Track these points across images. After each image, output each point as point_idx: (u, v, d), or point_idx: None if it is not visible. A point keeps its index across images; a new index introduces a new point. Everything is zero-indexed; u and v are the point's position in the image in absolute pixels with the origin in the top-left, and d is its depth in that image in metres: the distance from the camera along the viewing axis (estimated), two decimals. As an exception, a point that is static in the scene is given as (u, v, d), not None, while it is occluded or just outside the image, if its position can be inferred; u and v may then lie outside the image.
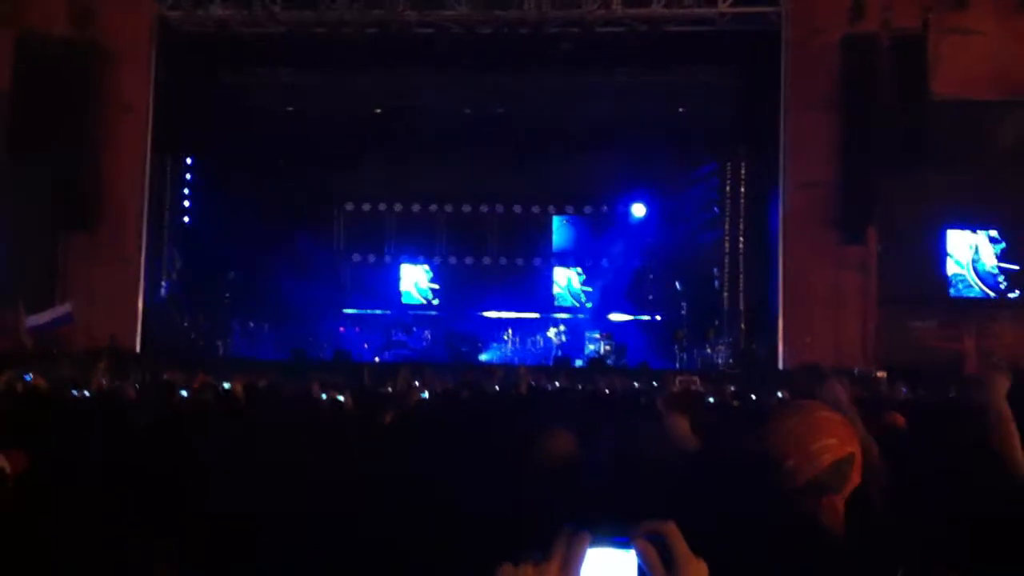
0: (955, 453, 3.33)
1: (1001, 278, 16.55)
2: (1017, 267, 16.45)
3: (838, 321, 16.13)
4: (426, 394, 8.26)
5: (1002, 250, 16.57)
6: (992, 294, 16.62)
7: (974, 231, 16.74)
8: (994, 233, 16.67)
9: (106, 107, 17.01)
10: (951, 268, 16.72)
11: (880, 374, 14.75)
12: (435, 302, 23.09)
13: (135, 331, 16.95)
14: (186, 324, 18.46)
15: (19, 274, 16.44)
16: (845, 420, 2.16)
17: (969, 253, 16.68)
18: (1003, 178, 16.20)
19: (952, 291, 16.72)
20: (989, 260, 16.60)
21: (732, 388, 10.09)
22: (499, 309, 22.27)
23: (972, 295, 16.64)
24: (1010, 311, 16.54)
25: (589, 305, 22.84)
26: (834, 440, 2.09)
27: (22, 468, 2.95)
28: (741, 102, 18.20)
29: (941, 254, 16.76)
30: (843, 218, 16.17)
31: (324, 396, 8.11)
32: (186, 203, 18.78)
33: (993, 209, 16.60)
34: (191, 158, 18.89)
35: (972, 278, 16.61)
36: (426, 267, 23.30)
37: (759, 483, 2.09)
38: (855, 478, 2.10)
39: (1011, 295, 16.54)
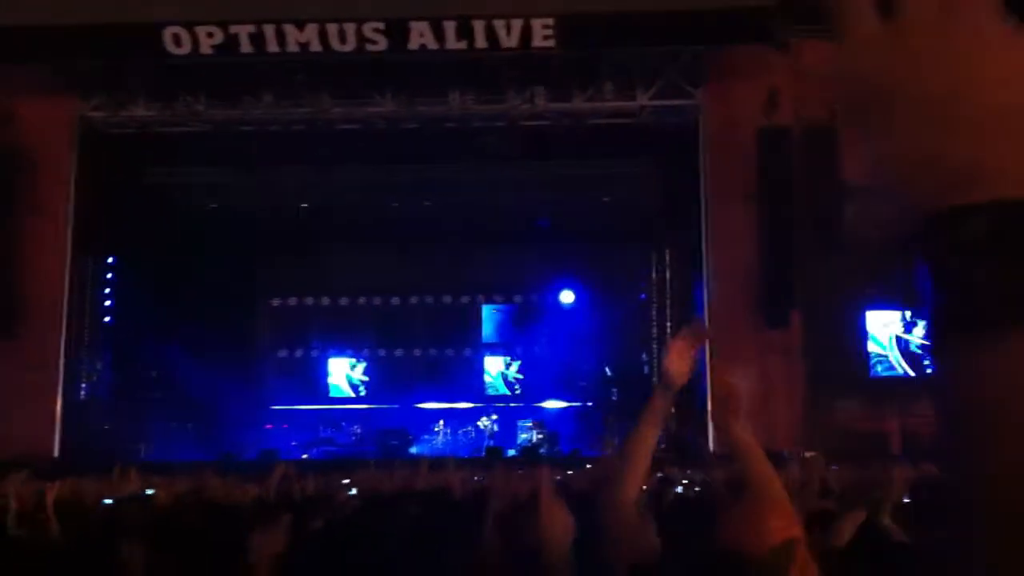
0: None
1: (926, 358, 16.91)
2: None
3: (765, 404, 16.31)
4: (354, 491, 8.09)
5: (924, 328, 16.97)
6: (913, 373, 16.97)
7: (894, 310, 17.16)
8: (908, 313, 17.10)
9: (24, 210, 16.70)
10: (872, 348, 17.08)
11: (808, 455, 14.89)
12: (363, 394, 22.82)
13: (53, 436, 16.41)
14: (106, 427, 17.93)
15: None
16: (789, 505, 2.21)
17: (889, 332, 17.07)
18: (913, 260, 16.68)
19: (873, 372, 17.05)
20: (915, 338, 17.00)
21: (659, 474, 10.05)
22: (430, 400, 22.09)
23: (894, 374, 16.99)
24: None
25: (519, 392, 22.79)
26: (782, 521, 2.16)
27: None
28: (664, 191, 18.62)
29: (862, 335, 17.13)
30: (766, 304, 16.48)
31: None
32: (107, 303, 18.40)
33: (911, 288, 17.05)
34: (113, 258, 18.56)
35: (896, 357, 16.97)
36: (354, 360, 23.07)
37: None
38: (800, 562, 2.12)
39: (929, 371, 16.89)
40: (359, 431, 21.29)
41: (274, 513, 4.60)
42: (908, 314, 17.12)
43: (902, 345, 16.98)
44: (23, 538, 5.53)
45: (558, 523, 2.38)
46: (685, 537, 3.16)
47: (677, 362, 2.70)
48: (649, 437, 2.76)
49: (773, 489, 2.51)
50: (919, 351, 16.95)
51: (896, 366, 16.97)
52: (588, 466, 13.12)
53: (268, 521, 3.98)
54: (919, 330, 16.95)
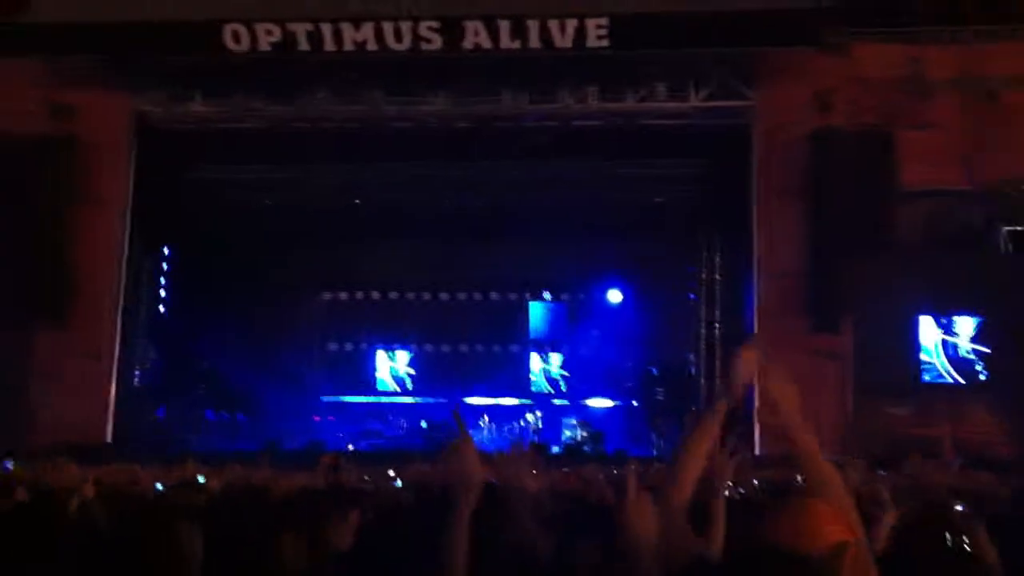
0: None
1: (978, 363, 16.68)
2: (988, 350, 16.62)
3: (814, 409, 16.14)
4: (399, 482, 8.16)
5: (976, 334, 16.74)
6: (963, 380, 16.72)
7: (945, 317, 16.93)
8: (967, 319, 16.86)
9: (82, 201, 17.05)
10: (924, 355, 16.86)
11: (855, 461, 14.75)
12: (409, 388, 22.98)
13: (106, 423, 16.75)
14: (158, 416, 18.27)
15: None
16: (851, 508, 2.22)
17: (940, 338, 16.84)
18: (971, 265, 16.48)
19: (925, 377, 16.83)
20: (964, 345, 16.76)
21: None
22: (475, 395, 22.20)
23: (944, 381, 16.76)
24: (983, 396, 16.66)
25: (565, 390, 22.82)
26: (841, 526, 2.16)
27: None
28: (714, 192, 18.52)
29: (914, 341, 16.91)
30: (815, 306, 16.34)
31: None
32: (161, 293, 18.76)
33: (964, 294, 16.82)
34: (168, 250, 18.92)
35: (943, 364, 16.74)
36: (401, 354, 23.25)
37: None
38: (856, 565, 2.14)
39: (981, 378, 16.67)
40: (405, 424, 21.46)
41: (341, 508, 4.66)
42: (959, 320, 16.86)
43: (949, 351, 16.74)
44: (76, 522, 5.67)
45: (645, 520, 2.38)
46: (729, 539, 3.17)
47: (746, 375, 2.72)
48: (703, 444, 2.78)
49: (835, 491, 2.51)
50: (968, 356, 16.71)
51: (943, 373, 16.72)
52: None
53: (337, 516, 4.01)
54: (966, 335, 16.73)
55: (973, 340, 16.75)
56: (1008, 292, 16.35)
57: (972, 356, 16.69)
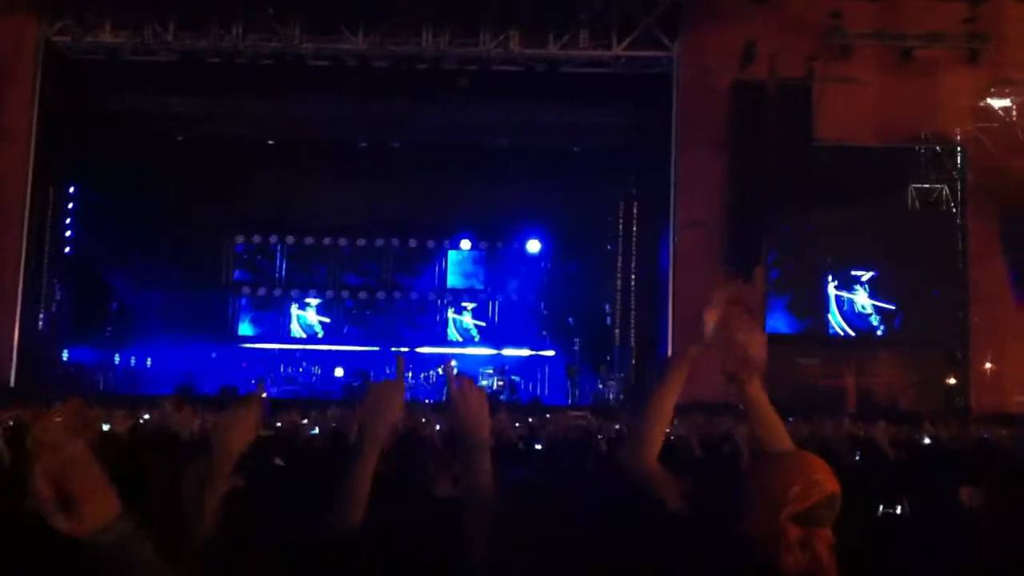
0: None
1: (874, 318, 17.14)
2: (892, 307, 17.08)
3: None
4: (316, 430, 8.05)
5: (877, 289, 17.17)
6: (866, 333, 17.16)
7: (854, 271, 17.32)
8: (870, 273, 17.26)
9: (-15, 132, 16.38)
10: (833, 307, 17.25)
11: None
12: (321, 336, 22.70)
13: (10, 365, 16.24)
14: (64, 358, 17.77)
15: None
16: (827, 465, 2.26)
17: (845, 292, 17.24)
18: (881, 220, 16.85)
19: (832, 330, 17.24)
20: (863, 299, 17.18)
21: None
22: (392, 344, 22.05)
23: (852, 334, 17.20)
24: (887, 350, 17.16)
25: (477, 339, 22.81)
26: (827, 476, 2.21)
27: None
28: (635, 141, 18.58)
29: (824, 294, 17.29)
30: (730, 257, 16.56)
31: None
32: (68, 232, 18.11)
33: (870, 250, 17.22)
34: (75, 187, 18.25)
35: (841, 318, 17.15)
36: (317, 301, 22.96)
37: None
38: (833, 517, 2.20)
39: (880, 333, 17.13)
40: (319, 372, 21.26)
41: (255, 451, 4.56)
42: (864, 275, 17.22)
43: (853, 306, 17.13)
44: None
45: (472, 407, 2.36)
46: (711, 491, 3.16)
47: (719, 319, 2.60)
48: (671, 398, 2.78)
49: (784, 441, 2.56)
50: (870, 311, 17.12)
51: (848, 325, 17.14)
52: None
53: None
54: (867, 290, 17.14)
55: (872, 297, 17.18)
56: (913, 249, 16.81)
57: (871, 311, 17.14)
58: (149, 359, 20.28)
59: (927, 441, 8.48)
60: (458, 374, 2.42)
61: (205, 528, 2.37)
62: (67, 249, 18.08)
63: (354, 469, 2.37)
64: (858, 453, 6.87)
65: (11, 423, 7.72)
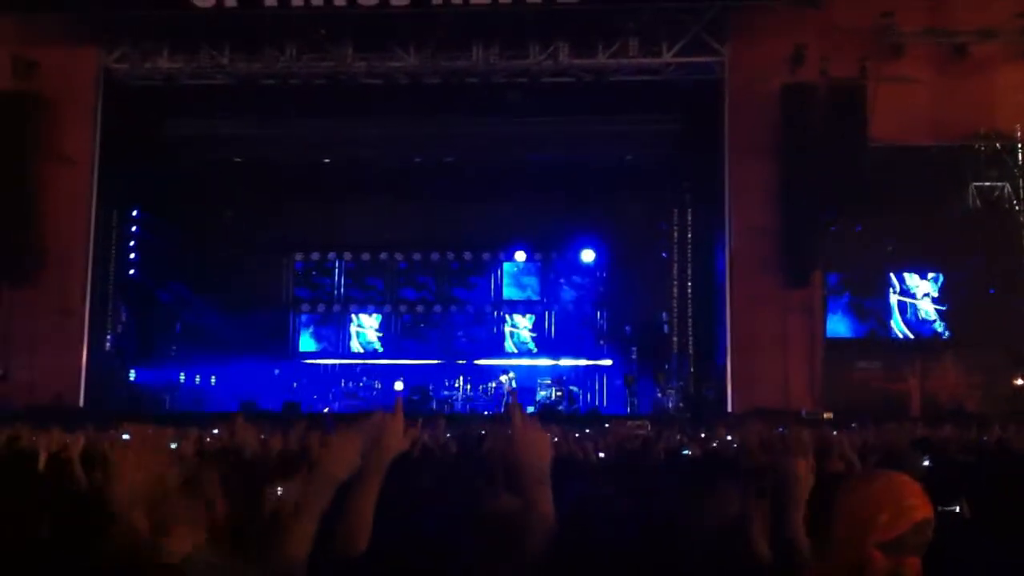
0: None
1: (937, 321, 16.86)
2: (955, 308, 16.78)
3: (785, 364, 16.31)
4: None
5: (940, 291, 16.90)
6: (929, 336, 16.88)
7: (914, 273, 17.07)
8: (932, 275, 17.00)
9: (49, 159, 16.82)
10: (894, 310, 17.02)
11: (827, 415, 14.93)
12: (380, 350, 22.88)
13: (79, 386, 16.64)
14: (131, 378, 18.15)
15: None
16: (922, 488, 2.20)
17: (908, 295, 16.99)
18: (940, 220, 16.59)
19: (893, 333, 16.99)
20: (925, 303, 16.92)
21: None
22: (450, 357, 22.17)
23: (914, 337, 16.93)
24: (951, 352, 16.85)
25: (535, 350, 22.81)
26: (920, 501, 2.14)
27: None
28: (686, 149, 18.47)
29: (885, 296, 17.06)
30: (787, 262, 16.41)
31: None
32: (132, 255, 18.54)
33: (931, 251, 16.96)
34: (137, 210, 18.68)
35: (903, 321, 16.89)
36: (376, 316, 23.17)
37: None
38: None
39: (945, 336, 16.85)
40: (380, 386, 21.42)
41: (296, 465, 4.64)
42: (926, 276, 16.96)
43: (915, 308, 16.87)
44: (54, 485, 5.63)
45: (533, 443, 2.32)
46: (704, 497, 3.11)
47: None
48: None
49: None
50: (933, 316, 16.85)
51: (911, 328, 16.87)
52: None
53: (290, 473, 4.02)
54: (930, 292, 16.87)
55: (935, 300, 16.90)
56: (975, 248, 16.52)
57: (933, 314, 16.86)
58: (213, 377, 20.62)
59: (996, 444, 8.33)
60: (517, 405, 2.41)
61: (294, 551, 2.36)
62: (131, 272, 18.50)
63: (357, 498, 2.40)
64: (926, 458, 6.77)
65: (83, 447, 7.94)
